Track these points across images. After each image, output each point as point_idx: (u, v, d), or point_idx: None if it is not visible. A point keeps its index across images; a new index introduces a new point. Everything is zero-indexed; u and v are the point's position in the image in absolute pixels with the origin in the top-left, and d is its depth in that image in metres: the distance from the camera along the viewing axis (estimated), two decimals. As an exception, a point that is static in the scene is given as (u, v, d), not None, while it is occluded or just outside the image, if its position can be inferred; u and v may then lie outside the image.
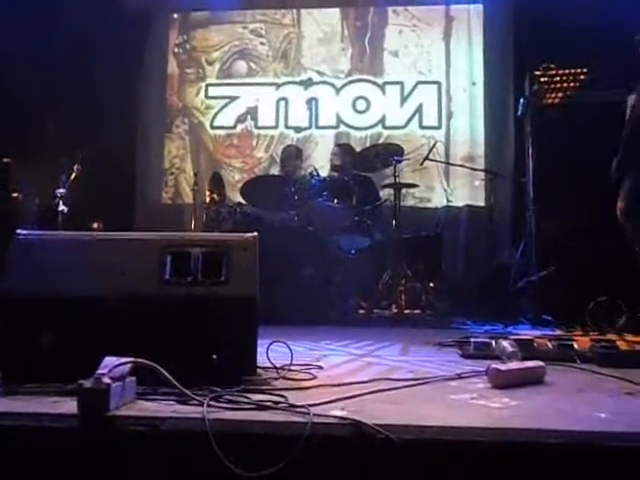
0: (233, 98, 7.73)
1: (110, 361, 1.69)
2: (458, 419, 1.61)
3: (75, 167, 5.68)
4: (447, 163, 6.86)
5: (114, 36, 6.80)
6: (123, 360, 1.71)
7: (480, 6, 7.50)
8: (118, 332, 1.99)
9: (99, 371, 1.64)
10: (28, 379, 1.90)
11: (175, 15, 8.00)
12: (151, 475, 1.57)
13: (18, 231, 2.20)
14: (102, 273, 2.06)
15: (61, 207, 5.57)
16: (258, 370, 2.14)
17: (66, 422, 1.60)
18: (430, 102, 7.47)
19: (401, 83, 7.57)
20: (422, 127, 7.45)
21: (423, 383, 2.09)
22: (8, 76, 6.12)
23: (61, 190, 5.60)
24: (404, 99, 7.55)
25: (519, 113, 5.61)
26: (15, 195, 5.51)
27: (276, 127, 7.64)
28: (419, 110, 7.48)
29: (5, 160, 5.59)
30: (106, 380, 1.61)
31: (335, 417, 1.56)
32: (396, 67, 7.61)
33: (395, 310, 5.20)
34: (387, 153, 5.72)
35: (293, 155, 6.21)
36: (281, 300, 4.26)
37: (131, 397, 1.73)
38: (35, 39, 6.15)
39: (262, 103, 7.67)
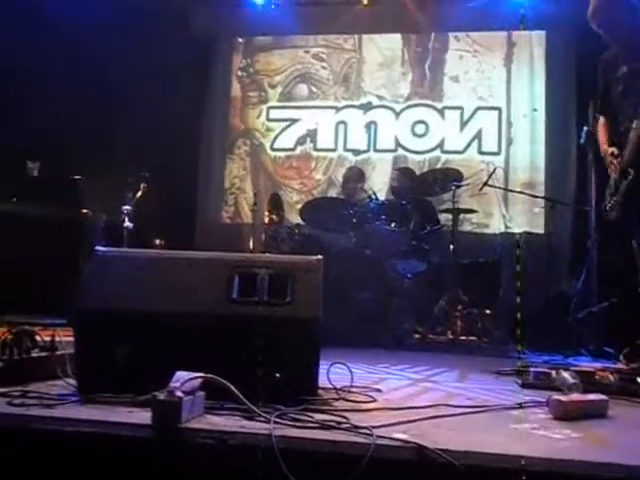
0: (294, 121, 7.89)
1: (182, 375, 1.77)
2: (519, 448, 1.62)
3: (141, 185, 5.89)
4: (506, 189, 6.81)
5: (181, 59, 7.06)
6: (194, 375, 1.79)
7: (542, 33, 7.47)
8: (187, 347, 2.08)
9: (172, 384, 1.72)
10: (102, 389, 1.99)
11: (240, 39, 8.24)
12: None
13: (97, 247, 2.32)
14: (174, 290, 2.15)
15: (127, 223, 5.77)
16: (319, 390, 2.19)
17: (140, 432, 1.68)
18: (490, 128, 7.46)
19: (461, 108, 7.58)
20: (481, 152, 7.43)
21: (483, 411, 2.10)
22: (80, 97, 6.41)
23: (127, 207, 5.82)
24: (464, 124, 7.56)
25: (581, 141, 5.54)
26: (84, 211, 5.75)
27: (335, 150, 7.75)
28: (478, 135, 7.47)
29: (75, 177, 5.84)
30: (178, 393, 1.69)
31: (398, 440, 1.59)
32: (456, 92, 7.63)
33: (451, 336, 5.18)
34: (446, 178, 5.73)
35: (355, 177, 6.28)
36: (337, 322, 4.30)
37: (200, 411, 1.81)
38: (104, 61, 6.44)
39: (322, 126, 7.80)
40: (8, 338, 2.22)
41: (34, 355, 2.27)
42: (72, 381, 2.14)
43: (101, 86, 6.54)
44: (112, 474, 1.68)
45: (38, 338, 2.35)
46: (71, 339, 2.20)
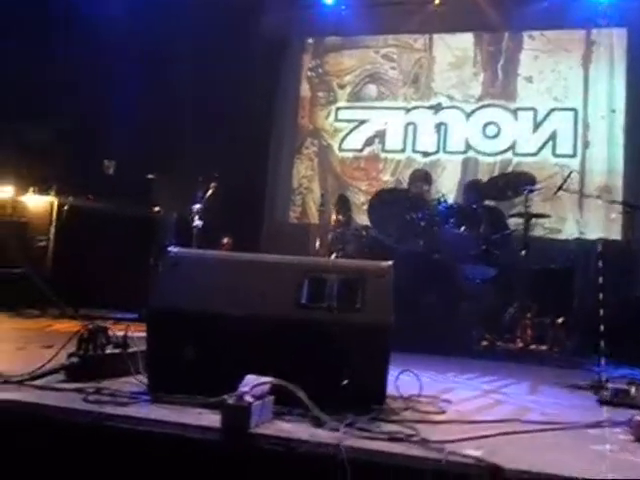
0: (362, 121, 7.85)
1: (251, 379, 1.77)
2: (600, 472, 1.53)
3: (211, 184, 5.97)
4: (582, 194, 6.56)
5: (251, 60, 7.14)
6: (263, 379, 1.78)
7: (624, 30, 7.15)
8: (255, 351, 2.08)
9: (241, 389, 1.72)
10: (172, 389, 2.02)
11: (310, 40, 8.25)
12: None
13: (169, 247, 2.35)
14: (244, 293, 2.16)
15: (196, 222, 5.87)
16: (387, 399, 2.15)
17: (209, 435, 1.69)
18: (565, 129, 7.19)
19: (534, 109, 7.35)
20: (555, 155, 7.18)
21: (560, 428, 2.01)
22: (154, 99, 6.56)
23: (197, 206, 5.91)
24: (537, 126, 7.32)
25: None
26: (157, 209, 5.89)
27: (403, 151, 7.66)
28: (553, 137, 7.22)
29: (149, 176, 5.99)
30: (248, 398, 1.69)
31: (471, 457, 1.54)
32: (530, 93, 7.40)
33: (520, 344, 5.02)
34: (518, 182, 5.56)
35: (422, 178, 6.16)
36: (403, 327, 4.23)
37: (269, 416, 1.80)
38: (175, 64, 6.57)
39: (391, 127, 7.72)
40: (84, 334, 2.28)
41: (108, 352, 2.32)
42: (143, 379, 2.17)
43: (173, 87, 6.68)
44: (180, 475, 1.70)
45: (111, 334, 2.40)
46: (143, 334, 2.24)
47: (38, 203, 5.76)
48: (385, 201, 5.87)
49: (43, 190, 5.75)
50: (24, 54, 5.69)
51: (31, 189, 5.70)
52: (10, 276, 5.05)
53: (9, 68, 5.54)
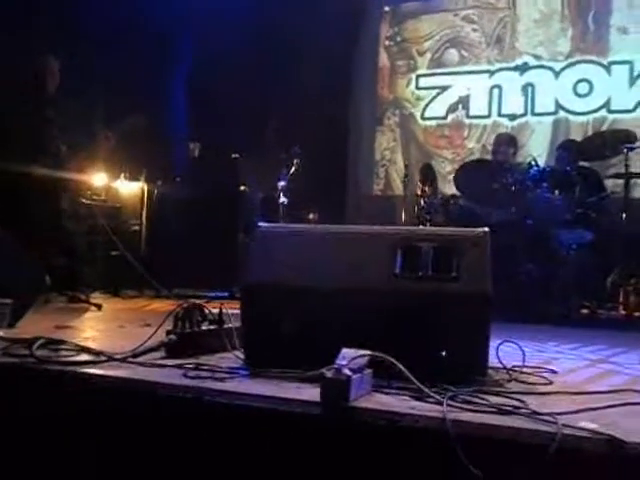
0: (444, 88, 7.62)
1: (349, 353, 1.73)
2: None
3: (294, 161, 5.98)
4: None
5: (328, 32, 7.04)
6: (361, 352, 1.74)
7: None
8: (352, 324, 2.04)
9: (339, 362, 1.68)
10: (270, 364, 2.01)
11: (386, 8, 8.06)
12: (388, 470, 1.58)
13: (259, 223, 2.34)
14: (336, 266, 2.12)
15: (282, 199, 5.90)
16: (489, 371, 2.07)
17: (309, 409, 1.66)
18: (665, 82, 6.72)
19: (630, 62, 6.89)
20: (655, 110, 6.73)
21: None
22: (233, 77, 6.61)
23: (282, 183, 5.94)
24: (633, 80, 6.87)
25: None
26: (242, 188, 5.96)
27: (489, 116, 7.39)
28: (651, 91, 6.76)
29: (234, 155, 6.06)
30: (346, 371, 1.65)
31: (587, 430, 1.44)
32: (625, 45, 6.94)
33: (623, 311, 4.77)
34: (616, 140, 5.24)
35: (505, 142, 5.92)
36: (500, 297, 4.08)
37: (368, 390, 1.76)
38: (256, 41, 6.57)
39: (474, 92, 7.46)
40: (180, 312, 2.31)
41: (204, 328, 2.35)
42: (240, 354, 2.18)
43: (252, 68, 6.70)
44: (280, 450, 1.69)
45: (207, 311, 2.43)
46: (236, 311, 2.25)
47: (129, 188, 5.96)
48: (471, 171, 5.70)
49: (133, 176, 5.94)
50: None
51: (122, 175, 5.90)
52: (109, 259, 5.27)
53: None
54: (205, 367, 2.00)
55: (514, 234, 4.75)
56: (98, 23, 5.77)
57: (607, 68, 7.00)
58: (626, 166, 5.10)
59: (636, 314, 4.82)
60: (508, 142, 5.86)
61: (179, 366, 2.02)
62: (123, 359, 2.11)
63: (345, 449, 1.63)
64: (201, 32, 6.42)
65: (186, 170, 6.34)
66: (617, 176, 5.32)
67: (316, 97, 6.94)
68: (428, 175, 6.12)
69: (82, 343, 2.33)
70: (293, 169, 5.91)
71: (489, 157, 6.49)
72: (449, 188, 6.13)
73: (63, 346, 2.26)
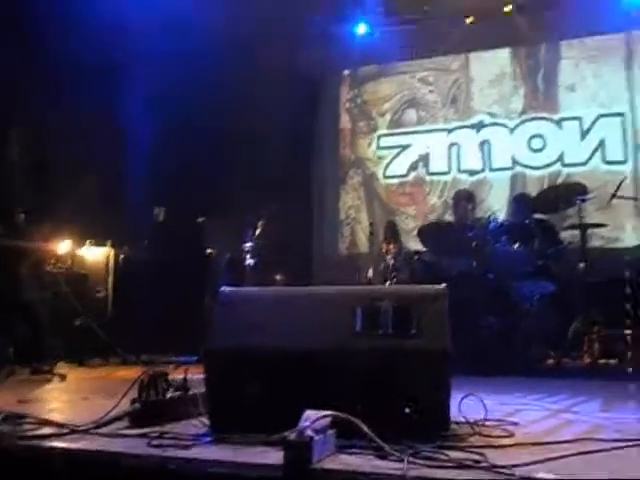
0: (405, 147, 7.85)
1: (311, 414, 1.75)
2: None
3: (260, 223, 6.05)
4: (638, 200, 6.35)
5: (290, 98, 7.24)
6: (324, 413, 1.76)
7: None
8: (315, 384, 2.06)
9: (302, 424, 1.70)
10: (235, 428, 2.01)
11: (346, 71, 8.34)
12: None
13: (222, 287, 2.37)
14: (299, 327, 2.15)
15: (248, 261, 5.94)
16: (452, 425, 2.09)
17: (273, 472, 1.67)
18: (613, 135, 7.03)
19: (579, 118, 7.21)
20: (606, 162, 7.01)
21: (636, 445, 1.91)
22: (195, 144, 6.71)
23: (248, 244, 5.98)
24: (584, 134, 7.18)
25: None
26: (208, 251, 5.99)
27: (449, 172, 7.61)
28: (601, 145, 7.06)
29: (200, 219, 6.11)
30: (309, 433, 1.67)
31: (544, 481, 1.48)
32: (573, 102, 7.28)
33: (588, 360, 4.85)
34: (570, 193, 5.44)
35: (464, 198, 6.07)
36: (463, 350, 4.13)
37: (332, 450, 1.77)
38: (211, 107, 6.70)
39: (434, 149, 7.70)
40: (144, 380, 2.31)
41: (169, 396, 2.34)
42: (205, 420, 2.18)
43: (214, 133, 6.82)
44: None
45: (171, 378, 2.43)
46: (203, 377, 2.26)
47: (95, 255, 5.93)
48: (434, 227, 5.84)
49: (99, 242, 5.92)
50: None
51: (87, 242, 5.88)
52: (73, 328, 5.20)
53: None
54: (169, 435, 1.99)
55: (476, 288, 4.83)
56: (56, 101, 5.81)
57: (558, 124, 7.31)
58: (580, 217, 5.27)
59: (600, 362, 4.90)
60: (467, 198, 6.01)
61: (143, 435, 2.01)
62: (86, 430, 2.09)
63: (311, 512, 1.63)
64: (160, 102, 6.54)
65: (152, 235, 6.35)
66: (573, 227, 5.49)
67: (280, 159, 7.08)
68: (392, 232, 6.25)
69: (45, 416, 2.30)
70: (259, 230, 5.97)
71: (450, 212, 6.67)
72: (413, 244, 6.24)
73: (25, 420, 2.22)
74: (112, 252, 5.90)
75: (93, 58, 5.76)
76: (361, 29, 7.91)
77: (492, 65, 7.67)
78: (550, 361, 4.96)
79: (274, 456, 1.71)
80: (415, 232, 6.00)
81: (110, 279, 5.85)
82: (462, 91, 7.76)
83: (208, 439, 1.99)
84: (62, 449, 1.92)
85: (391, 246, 5.99)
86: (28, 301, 4.55)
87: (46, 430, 2.12)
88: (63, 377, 3.99)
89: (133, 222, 6.27)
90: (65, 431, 2.09)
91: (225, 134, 6.82)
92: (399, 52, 7.78)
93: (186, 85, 6.50)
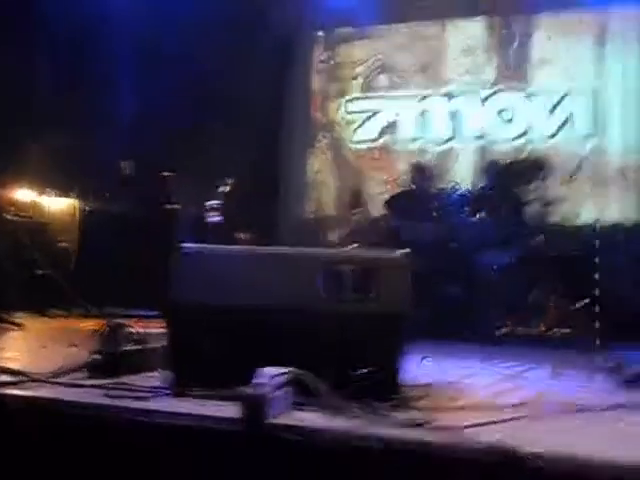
0: (374, 112, 7.82)
1: (269, 371, 1.79)
2: (619, 452, 1.53)
3: (226, 180, 6.02)
4: (600, 177, 6.49)
5: (262, 55, 7.13)
6: (281, 370, 1.80)
7: (638, 8, 7.04)
8: (274, 343, 2.10)
9: (259, 380, 1.74)
10: (193, 382, 2.04)
11: (320, 33, 8.23)
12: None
13: (183, 244, 2.37)
14: (260, 286, 2.17)
15: (212, 218, 5.92)
16: (404, 387, 2.16)
17: (229, 426, 1.71)
18: (582, 111, 7.11)
19: (549, 92, 7.27)
20: (572, 139, 7.11)
21: (579, 411, 2.00)
22: (167, 98, 6.60)
23: (213, 202, 5.96)
24: (552, 109, 7.25)
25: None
26: (173, 206, 5.94)
27: (417, 140, 7.63)
28: (569, 120, 7.15)
29: (165, 174, 6.05)
30: (266, 389, 1.71)
31: (486, 443, 1.54)
32: (544, 75, 7.32)
33: (543, 328, 5.00)
34: (535, 166, 5.53)
35: (420, 170, 6.09)
36: (423, 316, 4.23)
37: (288, 407, 1.82)
38: (185, 61, 6.58)
39: (403, 116, 7.69)
40: (105, 332, 2.32)
41: (128, 348, 2.36)
42: (164, 374, 2.20)
43: (185, 86, 6.70)
44: (200, 466, 1.72)
45: (132, 330, 2.44)
46: (163, 331, 2.27)
47: (57, 204, 5.84)
48: (400, 197, 5.88)
49: (62, 192, 5.83)
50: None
51: (51, 191, 5.78)
52: (34, 277, 5.14)
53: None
54: (127, 387, 2.01)
55: (438, 257, 4.92)
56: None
57: (528, 97, 7.36)
58: (543, 192, 5.37)
59: (554, 330, 5.05)
60: (420, 170, 6.02)
61: (101, 386, 2.02)
62: (43, 379, 2.10)
63: (264, 465, 1.68)
64: (136, 52, 6.39)
65: (117, 188, 6.27)
66: (535, 200, 5.59)
67: (249, 117, 7.00)
68: (358, 197, 6.29)
69: (1, 363, 2.30)
70: (225, 189, 5.94)
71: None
72: (379, 210, 6.28)
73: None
74: (77, 203, 5.82)
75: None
76: (339, -12, 7.78)
77: (467, 34, 7.64)
78: (505, 330, 5.10)
79: (231, 410, 1.74)
80: (382, 198, 6.05)
81: (75, 231, 5.78)
82: (436, 58, 7.73)
83: (166, 392, 2.02)
84: (18, 396, 1.93)
85: (357, 210, 6.03)
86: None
87: (2, 377, 2.11)
88: (21, 326, 3.96)
89: (99, 174, 6.17)
90: (22, 379, 2.09)
91: (195, 90, 6.71)
92: (375, 16, 7.69)
93: (156, 36, 6.35)
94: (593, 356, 3.68)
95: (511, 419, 1.81)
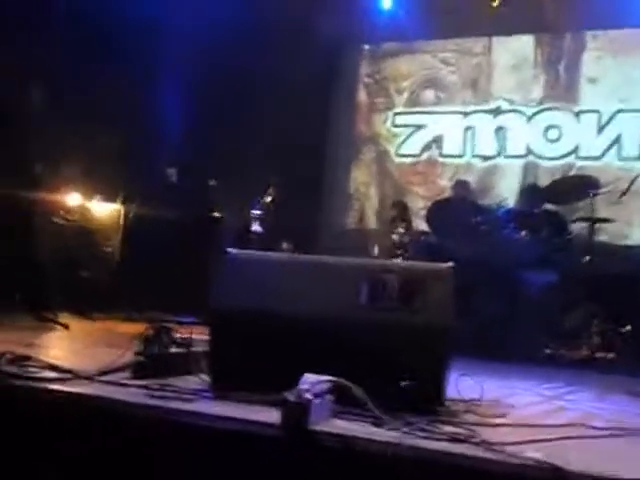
0: (420, 126, 7.81)
1: (312, 378, 1.79)
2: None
3: (270, 190, 6.06)
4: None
5: (308, 67, 7.19)
6: (323, 378, 1.80)
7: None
8: (316, 350, 2.10)
9: (301, 386, 1.74)
10: (234, 386, 2.06)
11: (366, 46, 8.27)
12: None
13: (228, 249, 2.40)
14: (303, 294, 2.18)
15: (255, 227, 5.97)
16: (446, 402, 2.13)
17: (269, 430, 1.71)
18: (631, 132, 6.97)
19: (598, 111, 7.15)
20: (621, 158, 6.96)
21: (624, 435, 1.95)
22: (214, 109, 6.71)
23: (256, 211, 6.01)
24: (601, 128, 7.12)
25: None
26: (217, 215, 6.01)
27: (462, 156, 7.58)
28: (618, 140, 7.01)
29: (210, 182, 6.12)
30: (308, 395, 1.71)
31: (532, 459, 1.51)
32: (593, 94, 7.21)
33: (585, 352, 4.88)
34: (582, 185, 5.42)
35: (463, 187, 6.05)
36: (463, 334, 4.17)
37: (328, 414, 1.81)
38: (231, 74, 6.68)
39: (449, 131, 7.66)
40: (149, 334, 2.35)
41: (172, 351, 2.39)
42: (206, 377, 2.22)
43: (232, 98, 6.80)
44: (240, 469, 1.73)
45: (175, 334, 2.47)
46: (206, 337, 2.30)
47: (104, 210, 5.96)
48: (443, 209, 5.83)
49: (109, 197, 5.95)
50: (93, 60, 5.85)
51: (97, 196, 5.90)
52: (79, 279, 5.25)
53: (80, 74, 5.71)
54: (171, 388, 2.04)
55: (480, 273, 4.85)
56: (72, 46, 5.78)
57: (576, 116, 7.25)
58: (591, 211, 5.27)
59: (598, 355, 4.92)
60: (464, 188, 5.99)
61: (144, 387, 2.05)
62: (89, 377, 2.14)
63: (303, 471, 1.68)
64: (185, 62, 6.52)
65: (163, 195, 6.37)
66: (582, 220, 5.49)
67: (294, 129, 7.05)
68: (401, 211, 6.26)
69: (49, 361, 2.35)
70: (269, 198, 5.99)
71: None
72: (421, 224, 6.24)
73: (30, 362, 2.27)
74: (122, 209, 5.93)
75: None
76: (386, 3, 7.80)
77: (515, 51, 7.58)
78: (548, 351, 4.99)
79: (273, 415, 1.75)
80: (423, 212, 6.01)
81: (119, 235, 5.89)
82: (483, 74, 7.69)
83: (208, 395, 2.04)
84: (64, 392, 1.97)
85: (399, 224, 6.00)
86: (35, 250, 4.59)
87: (50, 374, 2.16)
88: (67, 326, 4.04)
89: (145, 181, 6.28)
90: (68, 376, 2.13)
91: (242, 100, 6.80)
92: (422, 31, 7.68)
93: (205, 49, 6.46)
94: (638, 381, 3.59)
95: (557, 439, 1.77)
